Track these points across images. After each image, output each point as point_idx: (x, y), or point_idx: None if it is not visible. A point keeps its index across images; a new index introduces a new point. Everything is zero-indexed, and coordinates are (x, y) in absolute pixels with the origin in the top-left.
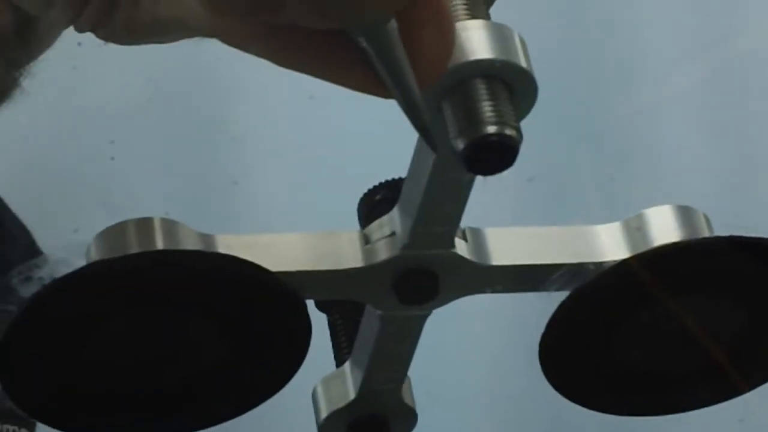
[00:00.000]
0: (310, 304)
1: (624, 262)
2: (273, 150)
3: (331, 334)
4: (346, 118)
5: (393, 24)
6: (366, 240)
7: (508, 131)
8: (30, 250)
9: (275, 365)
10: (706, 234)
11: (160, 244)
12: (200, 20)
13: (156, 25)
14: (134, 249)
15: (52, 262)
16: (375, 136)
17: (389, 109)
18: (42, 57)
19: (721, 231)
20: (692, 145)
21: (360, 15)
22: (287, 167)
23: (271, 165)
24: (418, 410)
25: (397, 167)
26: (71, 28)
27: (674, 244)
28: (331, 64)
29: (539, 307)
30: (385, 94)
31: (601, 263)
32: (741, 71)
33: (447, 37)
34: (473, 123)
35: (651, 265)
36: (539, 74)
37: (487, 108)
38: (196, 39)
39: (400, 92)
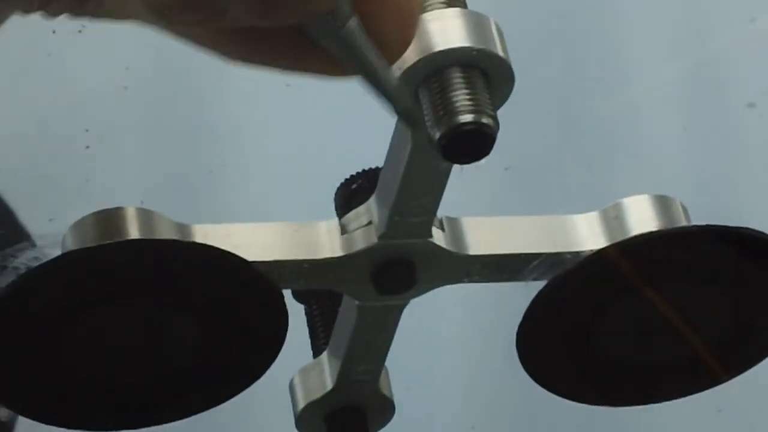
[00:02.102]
0: (287, 294)
1: (601, 251)
2: (250, 139)
3: (308, 325)
4: (323, 106)
5: (353, 22)
6: (343, 230)
7: (485, 120)
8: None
9: (252, 356)
10: (683, 223)
11: (135, 234)
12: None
13: (112, 15)
14: (110, 239)
15: (30, 249)
16: (353, 124)
17: (367, 98)
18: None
19: (699, 220)
20: (671, 137)
21: (303, 11)
22: (264, 156)
23: (248, 154)
24: (396, 401)
25: (376, 156)
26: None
27: (651, 233)
28: (279, 53)
29: (517, 297)
30: (342, 73)
31: (578, 252)
32: (720, 65)
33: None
34: (450, 111)
35: (628, 254)
36: (517, 65)
37: (463, 96)
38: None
39: (374, 86)
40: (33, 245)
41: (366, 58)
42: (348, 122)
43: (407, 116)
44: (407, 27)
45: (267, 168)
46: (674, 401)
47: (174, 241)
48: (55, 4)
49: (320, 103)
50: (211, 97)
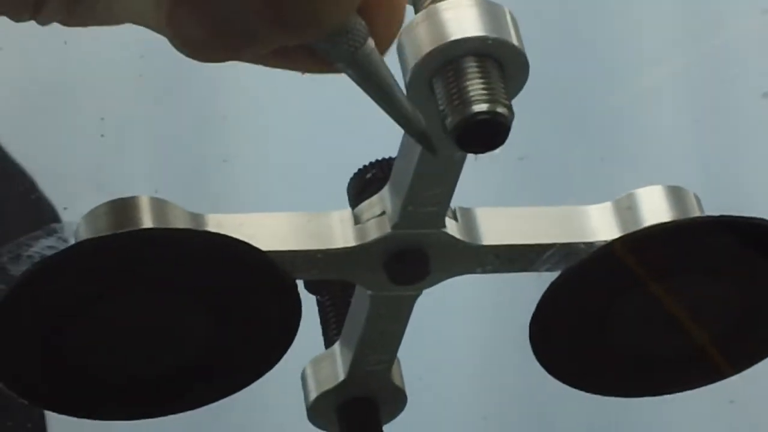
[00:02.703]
0: (299, 285)
1: (615, 242)
2: (264, 128)
3: (320, 315)
4: (339, 95)
5: (370, 45)
6: (356, 220)
7: (500, 109)
8: (31, 195)
9: (265, 345)
10: (696, 214)
11: (149, 223)
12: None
13: (103, 22)
14: (123, 228)
15: (45, 238)
16: (369, 113)
17: None
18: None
19: (711, 211)
20: (680, 129)
21: (319, 24)
22: (278, 146)
23: (262, 143)
24: (408, 392)
25: (391, 145)
26: None
27: (665, 224)
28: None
29: (528, 288)
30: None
31: (591, 243)
32: (731, 56)
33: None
34: (464, 101)
35: (642, 245)
36: (530, 56)
37: (478, 86)
38: None
39: (389, 109)
40: (53, 232)
41: (382, 81)
42: (364, 110)
43: (422, 139)
44: (393, 22)
45: (281, 157)
46: (686, 393)
47: (187, 230)
48: (45, 12)
49: (336, 91)
50: (226, 85)
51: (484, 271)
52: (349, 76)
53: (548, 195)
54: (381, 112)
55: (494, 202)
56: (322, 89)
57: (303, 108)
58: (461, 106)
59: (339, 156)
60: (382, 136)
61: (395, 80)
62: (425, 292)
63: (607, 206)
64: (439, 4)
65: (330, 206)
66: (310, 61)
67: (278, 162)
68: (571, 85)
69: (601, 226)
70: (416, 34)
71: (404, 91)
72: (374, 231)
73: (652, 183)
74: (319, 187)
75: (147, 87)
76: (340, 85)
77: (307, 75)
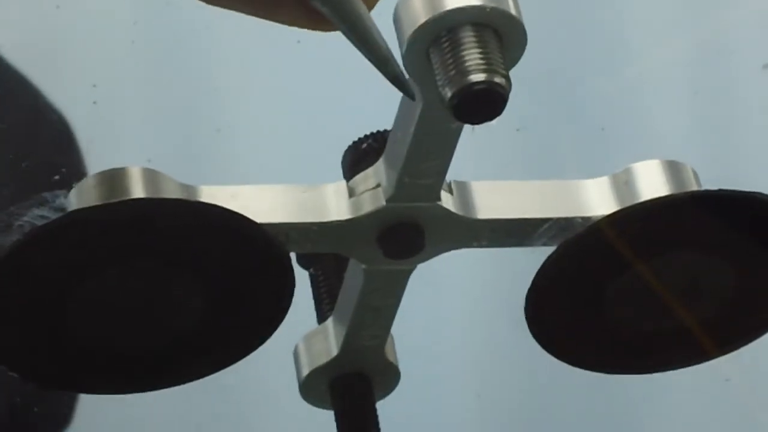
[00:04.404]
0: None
1: (610, 216)
2: (258, 98)
3: (313, 290)
4: (333, 66)
5: None
6: (351, 192)
7: (497, 79)
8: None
9: (258, 319)
10: (694, 188)
11: (140, 194)
12: None
13: None
14: (115, 198)
15: (36, 208)
16: (364, 83)
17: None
18: None
19: (709, 185)
20: (677, 112)
21: None
22: (272, 116)
23: (256, 113)
24: (401, 368)
25: (387, 117)
26: None
27: (662, 198)
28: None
29: (523, 263)
30: (322, 27)
31: (588, 217)
32: (726, 41)
33: None
34: (461, 71)
35: (638, 219)
36: (530, 29)
37: (476, 56)
38: None
39: (366, 49)
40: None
41: (357, 19)
42: (359, 81)
43: (397, 82)
44: None
45: (275, 128)
46: (681, 370)
47: (179, 200)
48: None
49: (330, 61)
50: (220, 53)
51: (479, 245)
52: (325, 14)
53: (546, 167)
54: (376, 82)
55: (491, 175)
56: (319, 58)
57: (299, 77)
58: (458, 76)
59: (334, 126)
60: (379, 107)
61: (372, 21)
62: (420, 266)
63: (603, 180)
64: None
65: (324, 176)
66: (299, 15)
67: (273, 132)
68: (571, 59)
69: (597, 200)
70: (412, 4)
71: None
72: (369, 204)
73: (651, 153)
74: (314, 157)
75: (140, 54)
76: (337, 55)
77: (301, 41)
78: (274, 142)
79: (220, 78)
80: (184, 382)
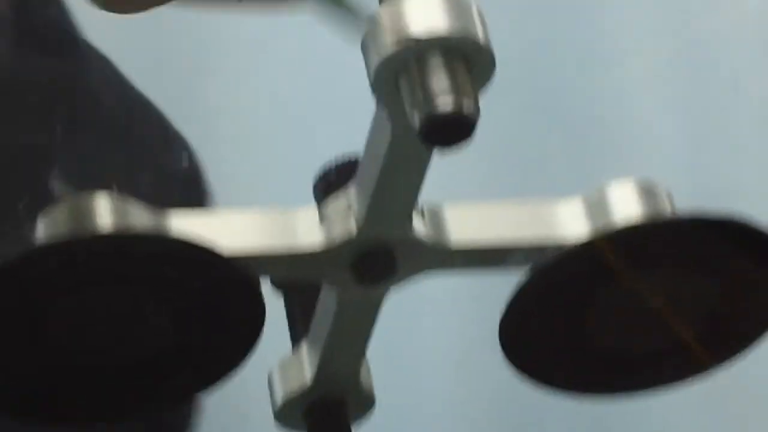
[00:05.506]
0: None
1: (584, 243)
2: (235, 120)
3: (287, 314)
4: (311, 90)
5: None
6: (322, 218)
7: (466, 105)
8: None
9: (229, 348)
10: (667, 209)
11: (110, 224)
12: None
13: None
14: (84, 229)
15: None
16: (340, 109)
17: (356, 82)
18: None
19: (685, 201)
20: (659, 120)
21: None
22: (249, 137)
23: (233, 135)
24: (377, 394)
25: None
26: None
27: (635, 227)
28: None
29: (504, 281)
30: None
31: (560, 240)
32: (706, 48)
33: None
34: (430, 97)
35: (611, 244)
36: (506, 50)
37: (444, 82)
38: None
39: None
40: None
41: None
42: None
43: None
44: None
45: (252, 149)
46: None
47: (147, 235)
48: None
49: (309, 86)
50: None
51: (452, 271)
52: None
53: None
54: (354, 108)
55: (468, 192)
56: (299, 81)
57: (279, 101)
58: (426, 103)
59: (312, 149)
60: (355, 131)
61: None
62: (395, 291)
63: (576, 201)
64: None
65: (302, 199)
66: None
67: (250, 153)
68: (552, 69)
69: (570, 222)
70: (379, 32)
71: None
72: (340, 231)
73: (634, 165)
74: (292, 178)
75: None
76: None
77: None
78: (251, 163)
79: (201, 99)
80: (158, 412)
